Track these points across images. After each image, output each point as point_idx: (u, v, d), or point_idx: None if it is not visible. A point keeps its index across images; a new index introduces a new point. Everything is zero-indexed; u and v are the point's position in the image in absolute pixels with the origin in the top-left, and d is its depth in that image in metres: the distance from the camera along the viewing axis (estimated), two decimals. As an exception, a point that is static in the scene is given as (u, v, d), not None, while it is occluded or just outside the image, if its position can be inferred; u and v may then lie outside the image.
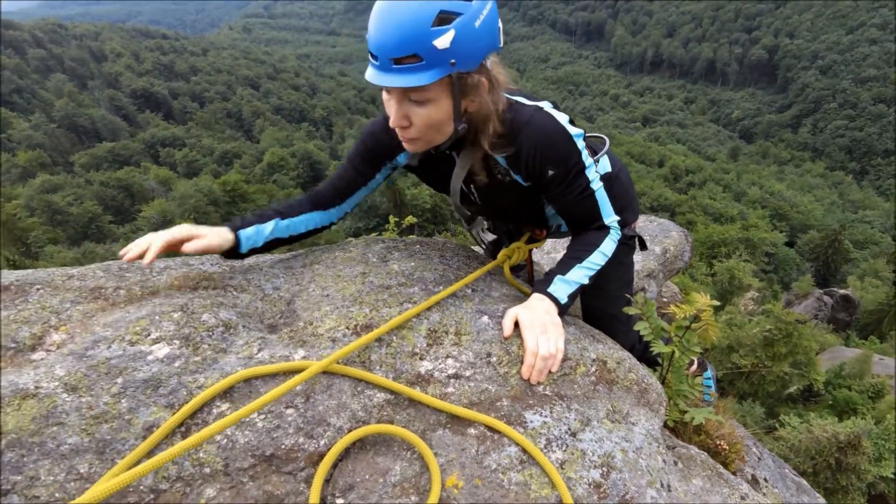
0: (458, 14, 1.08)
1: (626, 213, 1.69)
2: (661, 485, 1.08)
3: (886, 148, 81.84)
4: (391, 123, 1.21)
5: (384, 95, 1.20)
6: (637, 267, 3.83)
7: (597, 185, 1.38)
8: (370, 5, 1.15)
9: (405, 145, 1.28)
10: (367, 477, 0.94)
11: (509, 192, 1.45)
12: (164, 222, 35.97)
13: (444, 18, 1.06)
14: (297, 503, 0.89)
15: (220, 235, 1.30)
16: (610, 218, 1.43)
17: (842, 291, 30.31)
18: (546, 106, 1.32)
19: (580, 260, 1.38)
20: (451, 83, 1.14)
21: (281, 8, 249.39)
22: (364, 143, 1.45)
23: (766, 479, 2.02)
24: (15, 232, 29.41)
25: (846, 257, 43.56)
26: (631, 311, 1.71)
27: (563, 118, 1.31)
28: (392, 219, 4.65)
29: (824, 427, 8.66)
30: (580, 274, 1.36)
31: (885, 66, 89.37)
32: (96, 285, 1.26)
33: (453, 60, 1.09)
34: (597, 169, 1.44)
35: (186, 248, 1.24)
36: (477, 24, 1.11)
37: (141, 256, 1.18)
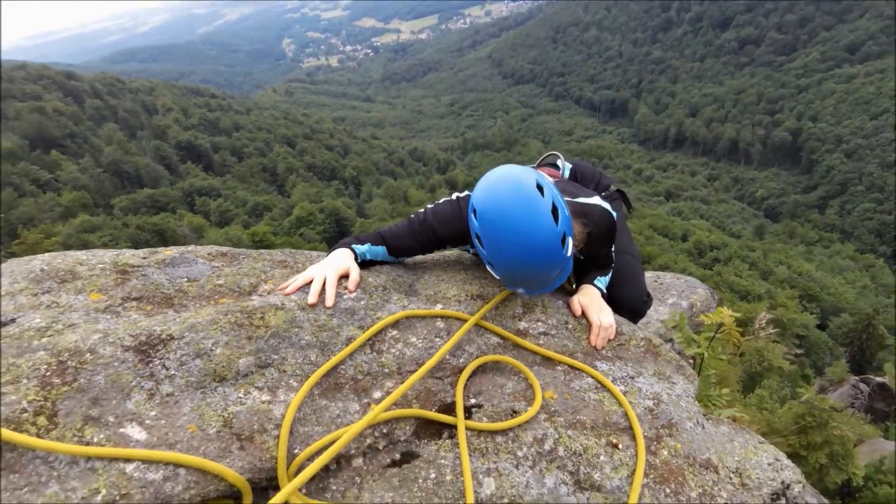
0: (564, 225, 1.37)
1: (601, 183, 2.19)
2: (697, 422, 1.46)
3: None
4: None
5: None
6: (665, 317, 4.18)
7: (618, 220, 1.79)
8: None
9: None
10: (489, 387, 1.36)
11: None
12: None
13: (563, 237, 1.38)
14: (445, 397, 1.31)
15: (352, 259, 1.62)
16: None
17: (878, 379, 28.86)
18: (598, 201, 1.68)
19: (609, 267, 1.85)
20: None
21: (322, 76, 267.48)
22: (435, 232, 1.66)
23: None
24: (48, 269, 30.42)
25: (881, 343, 41.77)
26: (670, 322, 2.11)
27: (608, 206, 1.69)
28: None
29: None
30: (609, 271, 1.84)
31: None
32: (281, 259, 1.75)
33: (574, 246, 1.48)
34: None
35: (350, 286, 1.52)
36: (567, 212, 1.42)
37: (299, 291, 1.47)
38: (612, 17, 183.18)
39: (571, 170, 2.20)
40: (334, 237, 58.03)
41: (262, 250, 1.79)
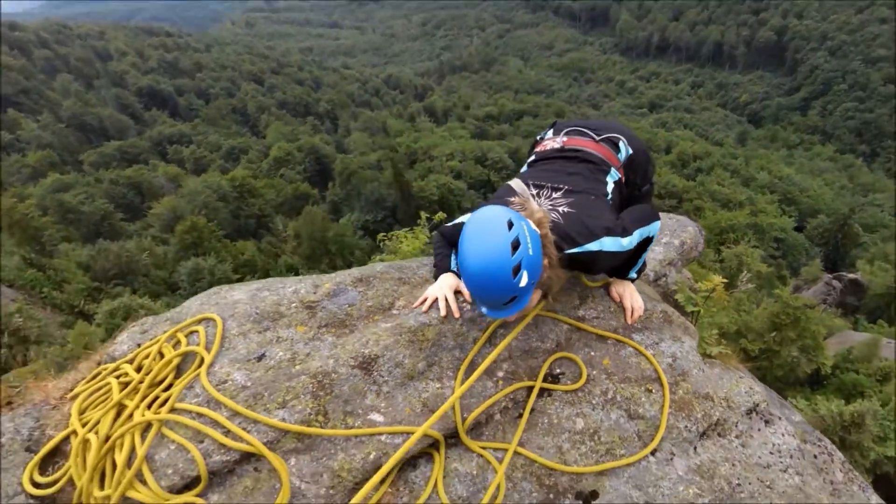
0: (521, 258, 1.58)
1: (647, 173, 2.40)
2: (700, 369, 2.20)
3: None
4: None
5: None
6: (660, 257, 4.92)
7: (632, 242, 1.98)
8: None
9: None
10: (568, 362, 2.07)
11: None
12: (175, 218, 35.74)
13: (516, 268, 1.58)
14: (537, 371, 2.01)
15: (457, 279, 2.11)
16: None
17: (850, 276, 29.67)
18: (597, 245, 1.87)
19: (640, 256, 2.18)
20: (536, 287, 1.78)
21: (283, 3, 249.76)
22: (446, 239, 2.21)
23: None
24: (28, 231, 28.92)
25: (856, 241, 43.44)
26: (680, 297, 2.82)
27: (613, 245, 1.89)
28: (423, 214, 4.86)
29: (830, 408, 9.23)
30: (640, 261, 2.27)
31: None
32: (399, 277, 2.39)
33: (533, 281, 1.68)
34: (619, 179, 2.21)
35: (468, 297, 2.04)
36: (531, 251, 1.61)
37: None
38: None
39: (630, 156, 2.29)
40: (316, 175, 57.31)
41: (384, 270, 2.40)
